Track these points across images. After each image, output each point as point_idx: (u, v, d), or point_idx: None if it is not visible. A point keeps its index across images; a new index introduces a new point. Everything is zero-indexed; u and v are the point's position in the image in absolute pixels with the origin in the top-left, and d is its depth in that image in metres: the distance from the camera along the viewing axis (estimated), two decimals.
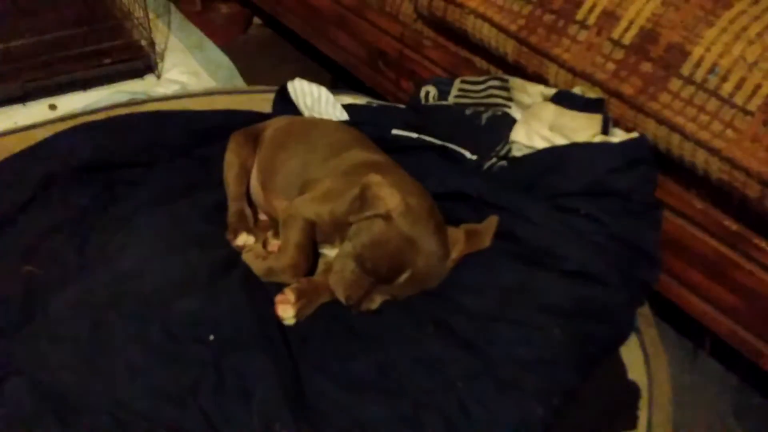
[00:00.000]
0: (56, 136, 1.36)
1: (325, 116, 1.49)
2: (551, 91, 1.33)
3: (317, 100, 1.53)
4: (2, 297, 1.10)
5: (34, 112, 1.82)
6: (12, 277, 1.13)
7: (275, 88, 1.58)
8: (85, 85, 1.93)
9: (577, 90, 1.29)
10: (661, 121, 1.19)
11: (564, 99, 1.29)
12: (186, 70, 2.03)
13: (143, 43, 2.00)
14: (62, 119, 1.56)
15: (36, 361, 0.98)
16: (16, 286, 1.12)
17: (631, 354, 1.10)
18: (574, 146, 1.24)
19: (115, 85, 1.94)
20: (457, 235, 1.09)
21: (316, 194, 1.15)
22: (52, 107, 1.86)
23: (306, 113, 1.51)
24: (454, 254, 1.08)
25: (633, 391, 1.06)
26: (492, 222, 1.13)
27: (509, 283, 1.06)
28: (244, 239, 1.19)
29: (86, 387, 0.95)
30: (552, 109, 1.30)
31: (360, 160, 1.20)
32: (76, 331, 1.01)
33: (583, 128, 1.26)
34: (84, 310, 1.04)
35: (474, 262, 1.09)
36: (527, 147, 1.30)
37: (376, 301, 1.05)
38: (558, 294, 1.04)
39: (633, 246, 1.14)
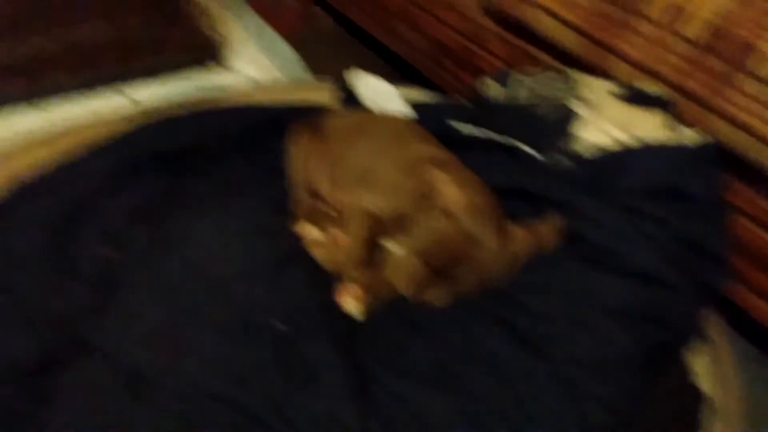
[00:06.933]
0: (135, 128, 1.42)
1: (387, 109, 1.51)
2: (615, 87, 1.32)
3: (380, 93, 1.55)
4: (82, 278, 1.16)
5: (111, 101, 1.87)
6: (92, 259, 1.19)
7: (339, 80, 1.61)
8: (152, 73, 1.96)
9: (641, 86, 1.28)
10: (727, 118, 1.17)
11: (630, 96, 1.28)
12: (251, 61, 2.06)
13: (210, 33, 2.04)
14: (138, 111, 1.62)
15: (112, 339, 1.03)
16: (96, 267, 1.17)
17: (697, 360, 1.09)
18: (639, 145, 1.23)
19: (182, 73, 1.99)
20: (519, 233, 1.10)
21: (379, 189, 1.18)
22: (122, 94, 1.92)
23: (369, 106, 1.54)
24: (517, 252, 1.08)
25: (697, 397, 1.04)
26: (555, 221, 1.14)
27: (572, 284, 1.07)
28: (308, 230, 1.22)
29: (158, 365, 0.99)
30: (616, 104, 1.29)
31: (422, 154, 1.22)
32: (149, 313, 1.06)
33: (647, 125, 1.25)
34: (157, 293, 1.09)
35: (537, 262, 1.09)
36: (590, 143, 1.30)
37: (438, 297, 1.07)
38: (621, 296, 1.04)
39: (700, 249, 1.12)
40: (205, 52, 2.03)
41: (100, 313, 1.09)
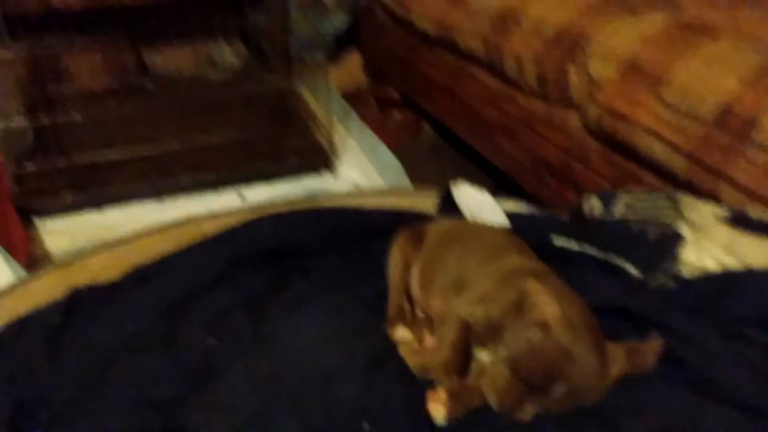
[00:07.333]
0: (244, 224, 1.51)
1: (487, 220, 1.53)
2: (725, 212, 1.29)
3: (479, 204, 1.58)
4: (184, 364, 1.21)
5: (225, 199, 2.02)
6: (195, 348, 1.24)
7: (440, 190, 1.66)
8: (269, 177, 2.11)
9: (752, 212, 1.24)
10: None
11: (739, 221, 1.24)
12: (359, 170, 2.17)
13: (324, 143, 2.18)
14: (249, 208, 1.73)
15: (206, 427, 1.06)
16: (197, 356, 1.23)
17: None
18: (749, 272, 1.18)
19: (296, 179, 2.12)
20: (617, 352, 1.06)
21: (473, 296, 1.18)
22: (240, 195, 2.06)
23: (468, 216, 1.56)
24: (614, 372, 1.04)
25: None
26: (656, 343, 1.09)
27: (672, 411, 1.01)
28: (401, 333, 1.24)
29: None
30: (726, 230, 1.25)
31: (518, 266, 1.22)
32: (243, 403, 1.08)
33: (757, 251, 1.20)
34: (252, 384, 1.11)
35: (635, 384, 1.04)
36: (695, 266, 1.26)
37: (529, 412, 1.03)
38: (722, 425, 0.98)
39: None
40: (318, 159, 2.16)
41: (196, 400, 1.13)
